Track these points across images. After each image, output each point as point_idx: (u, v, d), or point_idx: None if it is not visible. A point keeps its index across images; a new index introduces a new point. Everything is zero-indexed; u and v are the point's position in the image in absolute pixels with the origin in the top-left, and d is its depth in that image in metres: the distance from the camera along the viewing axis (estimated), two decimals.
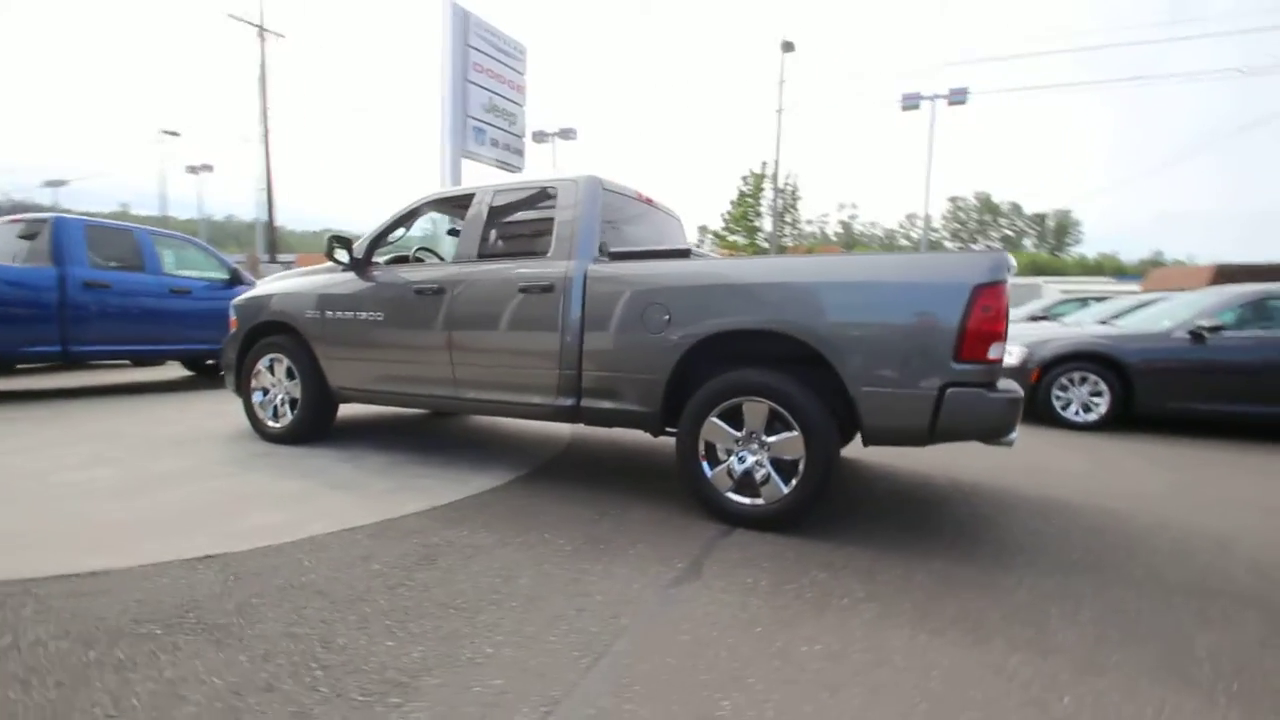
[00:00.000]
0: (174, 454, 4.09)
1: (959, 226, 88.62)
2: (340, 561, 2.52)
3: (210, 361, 8.18)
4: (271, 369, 4.49)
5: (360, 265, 4.15)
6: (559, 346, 3.44)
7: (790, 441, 2.94)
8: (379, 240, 4.23)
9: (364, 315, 4.04)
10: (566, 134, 23.19)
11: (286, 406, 4.43)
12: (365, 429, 5.10)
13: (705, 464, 3.13)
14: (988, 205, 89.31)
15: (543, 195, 3.77)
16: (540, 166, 25.60)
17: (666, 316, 3.16)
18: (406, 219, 4.26)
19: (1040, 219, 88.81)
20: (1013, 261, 2.76)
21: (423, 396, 3.96)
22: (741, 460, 3.07)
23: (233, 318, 4.73)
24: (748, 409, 3.03)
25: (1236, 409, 5.79)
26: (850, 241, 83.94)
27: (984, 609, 2.29)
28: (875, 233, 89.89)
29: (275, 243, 23.97)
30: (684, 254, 3.38)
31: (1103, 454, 5.10)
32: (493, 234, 3.85)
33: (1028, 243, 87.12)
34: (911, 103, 18.15)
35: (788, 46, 18.73)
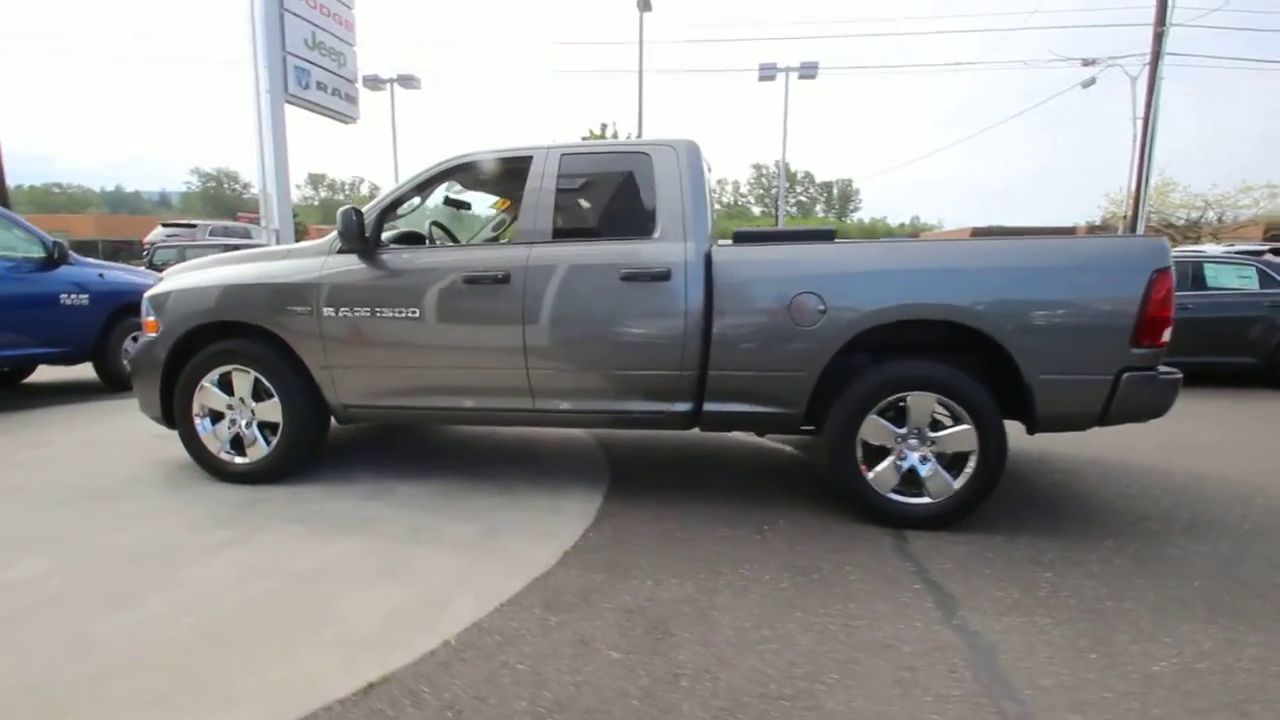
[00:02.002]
0: (114, 517, 2.89)
1: (763, 192, 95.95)
2: (557, 656, 1.89)
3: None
4: (226, 386, 3.34)
5: (370, 247, 3.18)
6: (680, 344, 2.93)
7: (961, 435, 2.80)
8: (387, 214, 3.27)
9: (389, 312, 3.12)
10: (408, 81, 20.56)
11: (257, 434, 3.33)
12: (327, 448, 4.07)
13: (862, 464, 2.89)
14: (787, 174, 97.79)
15: (627, 162, 3.15)
16: (378, 117, 22.51)
17: (821, 307, 2.81)
18: (425, 187, 3.34)
19: (828, 187, 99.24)
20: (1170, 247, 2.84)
21: (481, 410, 3.19)
22: (905, 458, 2.88)
23: (148, 317, 3.42)
24: (913, 403, 2.83)
25: None
26: None
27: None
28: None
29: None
30: (828, 236, 3.02)
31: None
32: (566, 208, 3.15)
33: (819, 208, 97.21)
34: (768, 73, 18.93)
35: (645, 5, 18.33)
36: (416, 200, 3.44)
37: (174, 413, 3.40)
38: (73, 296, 5.66)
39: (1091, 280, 2.73)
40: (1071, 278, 2.74)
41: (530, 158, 3.18)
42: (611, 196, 3.20)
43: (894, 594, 2.30)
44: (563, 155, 3.15)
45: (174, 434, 3.44)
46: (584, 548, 2.64)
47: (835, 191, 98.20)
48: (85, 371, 6.36)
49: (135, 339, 6.24)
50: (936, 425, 2.86)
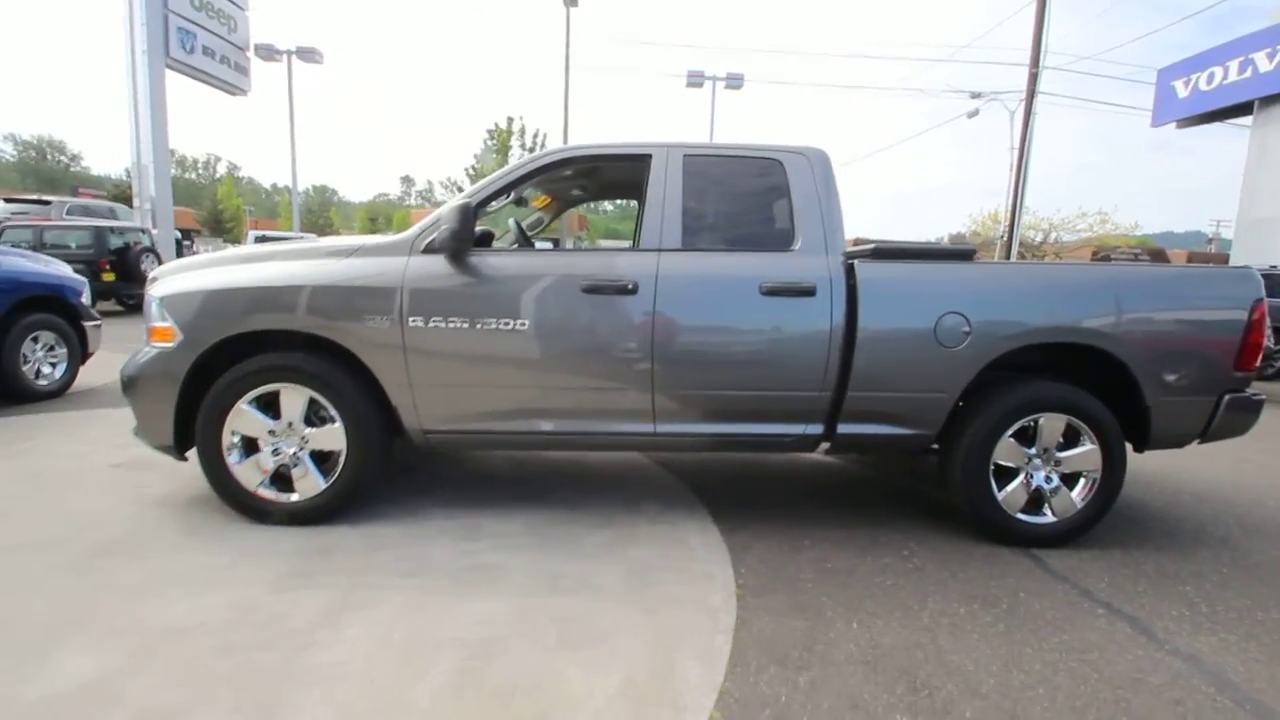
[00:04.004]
0: (152, 581, 2.27)
1: None
2: None
3: None
4: (271, 409, 2.76)
5: (462, 250, 2.74)
6: (822, 363, 2.77)
7: (1087, 455, 2.87)
8: (480, 211, 2.84)
9: (491, 323, 2.70)
10: (308, 55, 18.56)
11: (310, 464, 2.77)
12: None
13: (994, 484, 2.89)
14: None
15: (757, 168, 2.93)
16: (270, 89, 20.20)
17: (966, 328, 2.77)
18: (520, 183, 2.92)
19: None
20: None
21: (588, 435, 2.84)
22: (1033, 478, 2.91)
23: (162, 324, 2.74)
24: (1045, 425, 2.86)
25: None
26: None
27: None
28: None
29: None
30: (967, 255, 2.98)
31: None
32: (693, 213, 2.88)
33: None
34: (695, 80, 19.15)
35: (570, 1, 17.91)
36: (503, 201, 3.02)
37: (194, 441, 2.76)
38: None
39: (1205, 307, 2.89)
40: (1189, 304, 2.89)
41: (648, 156, 2.89)
42: (742, 204, 2.97)
43: (1089, 621, 2.29)
44: (685, 155, 2.89)
45: (145, 463, 2.80)
46: (753, 588, 2.41)
47: None
48: None
49: (36, 339, 5.12)
50: (1064, 446, 2.91)
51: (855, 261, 2.82)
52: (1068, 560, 2.78)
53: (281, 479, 2.80)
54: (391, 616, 2.09)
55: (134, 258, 11.48)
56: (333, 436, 2.75)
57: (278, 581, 2.29)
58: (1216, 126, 17.59)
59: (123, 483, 3.24)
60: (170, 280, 2.86)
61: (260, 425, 2.75)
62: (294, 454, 2.77)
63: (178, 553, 2.50)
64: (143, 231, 12.39)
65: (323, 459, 2.80)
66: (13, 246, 10.04)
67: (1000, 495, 2.89)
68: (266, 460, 2.76)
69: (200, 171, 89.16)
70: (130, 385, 2.81)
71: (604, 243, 36.65)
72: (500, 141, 33.72)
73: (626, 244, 3.09)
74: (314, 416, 2.79)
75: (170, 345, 2.73)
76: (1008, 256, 19.12)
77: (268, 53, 18.25)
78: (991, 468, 2.87)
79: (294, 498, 2.78)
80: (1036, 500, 2.93)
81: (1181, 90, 17.46)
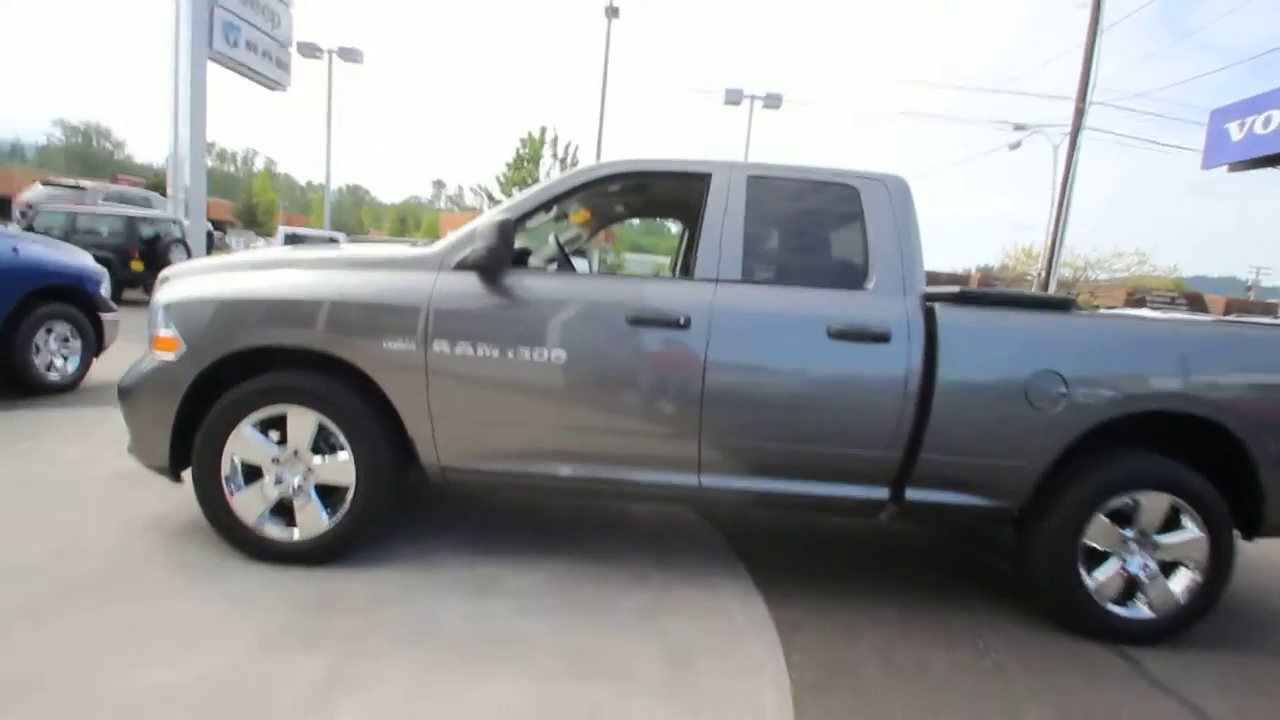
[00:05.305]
0: (128, 631, 1.99)
1: None
2: None
3: None
4: (276, 434, 2.49)
5: (497, 270, 2.46)
6: (895, 419, 2.44)
7: (1192, 543, 2.50)
8: (518, 227, 2.57)
9: (526, 352, 2.41)
10: (349, 54, 18.68)
11: (314, 499, 2.50)
12: None
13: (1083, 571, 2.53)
14: None
15: (828, 194, 2.63)
16: (310, 87, 20.38)
17: (1062, 388, 2.42)
18: (565, 198, 2.65)
19: None
20: None
21: (623, 484, 2.54)
22: (1127, 564, 2.54)
23: (166, 333, 2.49)
24: (1145, 504, 2.50)
25: None
26: None
27: None
28: None
29: None
30: (1065, 305, 2.64)
31: None
32: (755, 241, 2.58)
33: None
34: (734, 98, 18.96)
35: (613, 12, 17.86)
36: (542, 215, 2.75)
37: (190, 462, 2.50)
38: None
39: None
40: None
41: (708, 176, 2.60)
42: (810, 234, 2.67)
43: None
44: (749, 176, 2.60)
45: (143, 475, 2.58)
46: (809, 685, 2.07)
47: None
48: None
49: (50, 330, 4.95)
50: (1164, 529, 2.54)
51: (936, 305, 2.50)
52: (1167, 664, 2.41)
53: (283, 509, 2.53)
54: (391, 701, 1.78)
55: (164, 248, 11.48)
56: (341, 469, 2.47)
57: (268, 640, 2.01)
58: (1258, 172, 17.01)
59: (116, 498, 2.99)
60: (178, 284, 2.62)
61: (264, 451, 2.48)
62: (298, 484, 2.50)
63: (160, 597, 2.22)
64: (174, 222, 12.40)
65: (328, 493, 2.52)
66: (44, 232, 10.08)
67: (1090, 583, 2.52)
68: (269, 491, 2.49)
69: (239, 165, 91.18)
70: (126, 397, 2.56)
71: (629, 256, 36.56)
72: (532, 151, 33.86)
73: (651, 258, 2.80)
74: (322, 443, 2.52)
75: (173, 357, 2.48)
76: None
77: (310, 51, 18.38)
78: (1081, 550, 2.51)
79: (295, 535, 2.50)
80: (1128, 590, 2.56)
81: (1236, 133, 16.82)
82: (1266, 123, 16.23)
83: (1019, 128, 19.86)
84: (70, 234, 10.75)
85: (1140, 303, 26.76)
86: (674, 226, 4.22)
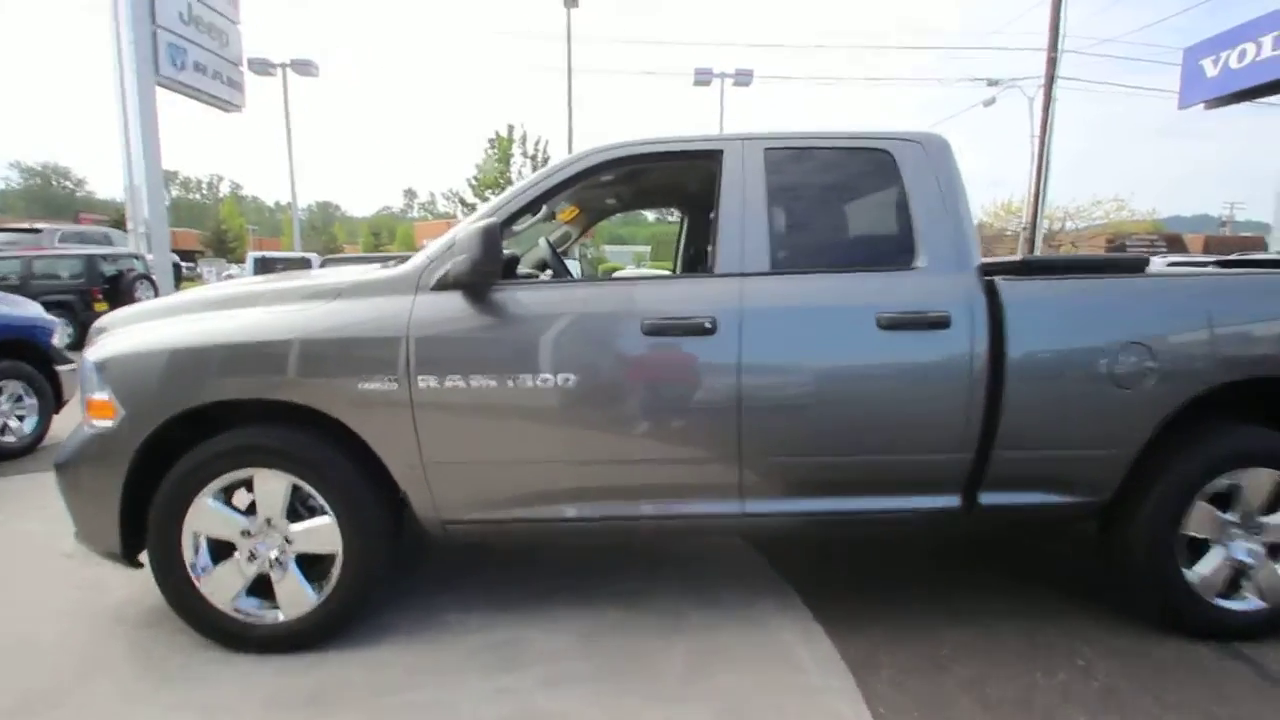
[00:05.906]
0: None
1: None
2: None
3: None
4: (237, 502, 2.12)
5: (485, 284, 2.09)
6: (962, 416, 2.11)
7: None
8: (504, 231, 2.20)
9: (528, 380, 2.05)
10: (303, 68, 17.99)
11: (296, 574, 2.12)
12: None
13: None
14: None
15: (858, 162, 2.28)
16: (270, 106, 19.66)
17: (1151, 362, 2.10)
18: (555, 193, 2.27)
19: None
20: None
21: (659, 519, 2.19)
22: (1231, 552, 2.23)
23: (99, 396, 2.10)
24: (1249, 484, 2.19)
25: None
26: None
27: None
28: None
29: None
30: (1139, 266, 2.31)
31: None
32: (781, 224, 2.22)
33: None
34: (703, 78, 18.47)
35: (571, 1, 17.31)
36: (529, 217, 2.38)
37: (146, 544, 2.12)
38: None
39: None
40: None
41: (719, 152, 2.24)
42: (843, 210, 2.32)
43: None
44: (766, 149, 2.23)
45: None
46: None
47: None
48: None
49: (19, 398, 4.54)
50: (1265, 509, 2.23)
51: (997, 279, 2.16)
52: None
53: (262, 584, 2.16)
54: None
55: (128, 285, 10.99)
56: (324, 535, 2.10)
57: None
58: (1229, 110, 16.83)
59: (73, 582, 2.62)
60: (112, 338, 2.23)
61: (231, 524, 2.11)
62: (275, 557, 2.13)
63: (121, 708, 1.86)
64: (136, 258, 11.86)
65: (312, 563, 2.16)
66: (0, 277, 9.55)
67: (1192, 576, 2.21)
68: (243, 568, 2.12)
69: (204, 192, 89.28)
70: (63, 475, 2.18)
71: (609, 249, 36.00)
72: (501, 150, 33.20)
73: (631, 248, 2.44)
74: (299, 506, 2.15)
75: (111, 424, 2.09)
76: (1031, 249, 18.40)
77: (262, 67, 17.66)
78: (1180, 541, 2.20)
79: (278, 617, 2.13)
80: (1234, 580, 2.25)
81: (1210, 69, 16.62)
82: (1241, 56, 16.02)
83: (993, 83, 19.56)
84: (28, 279, 10.23)
85: (1121, 249, 26.71)
86: (650, 216, 3.87)
